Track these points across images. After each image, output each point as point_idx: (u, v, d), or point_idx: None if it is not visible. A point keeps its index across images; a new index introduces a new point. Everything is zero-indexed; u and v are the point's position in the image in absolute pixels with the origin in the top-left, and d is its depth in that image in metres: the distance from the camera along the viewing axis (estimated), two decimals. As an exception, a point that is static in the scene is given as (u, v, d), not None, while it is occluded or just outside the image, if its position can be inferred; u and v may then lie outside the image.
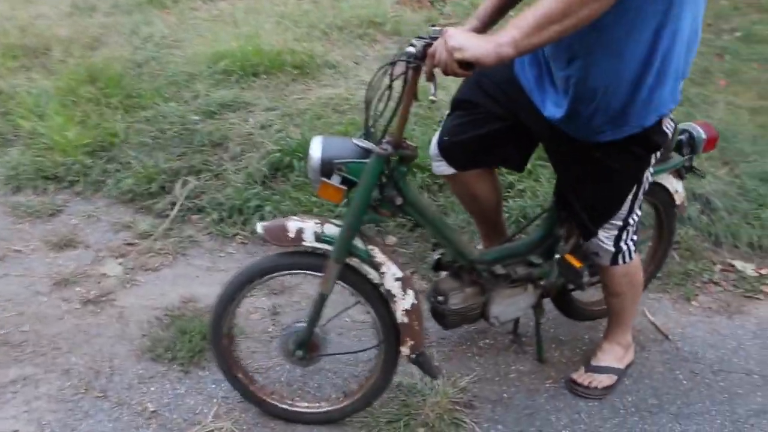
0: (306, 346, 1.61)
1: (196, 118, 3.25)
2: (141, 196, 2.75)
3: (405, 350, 1.56)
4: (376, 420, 1.69)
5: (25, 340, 1.98)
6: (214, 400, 1.77)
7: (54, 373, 1.85)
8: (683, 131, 1.87)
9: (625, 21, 1.19)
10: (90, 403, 1.77)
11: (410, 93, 1.37)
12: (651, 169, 1.56)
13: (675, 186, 1.94)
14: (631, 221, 1.62)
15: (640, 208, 1.63)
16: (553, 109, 1.44)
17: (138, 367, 1.89)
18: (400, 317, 1.54)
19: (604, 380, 1.85)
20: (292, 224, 1.51)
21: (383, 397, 1.70)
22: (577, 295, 2.01)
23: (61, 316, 2.09)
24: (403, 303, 1.53)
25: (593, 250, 1.68)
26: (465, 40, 1.20)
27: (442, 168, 1.75)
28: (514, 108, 1.58)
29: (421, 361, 1.58)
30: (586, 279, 1.74)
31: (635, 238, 1.69)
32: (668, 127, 1.48)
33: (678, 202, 1.98)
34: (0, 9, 4.67)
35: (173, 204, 2.69)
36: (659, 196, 1.92)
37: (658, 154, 1.54)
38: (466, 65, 1.21)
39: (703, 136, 1.86)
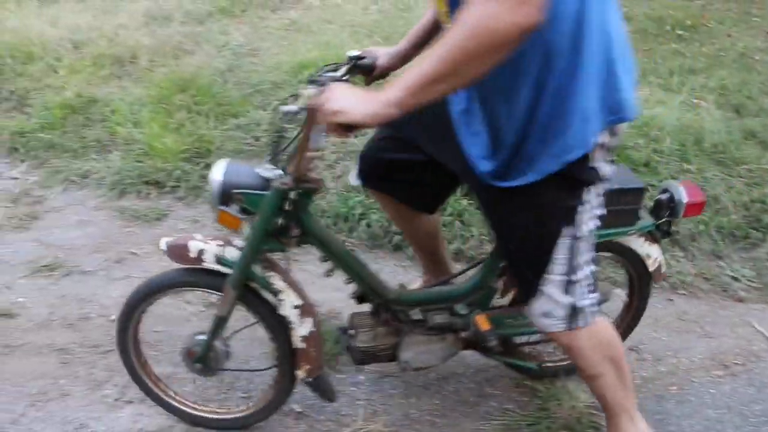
0: (204, 359, 1.65)
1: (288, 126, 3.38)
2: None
3: (301, 374, 1.62)
4: (518, 423, 1.77)
5: (160, 340, 2.12)
6: (358, 402, 1.88)
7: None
8: (664, 191, 1.74)
9: (510, 63, 1.09)
10: (235, 403, 1.90)
11: (306, 135, 1.34)
12: (593, 217, 1.36)
13: (646, 250, 1.79)
14: (580, 275, 1.39)
15: (594, 264, 1.42)
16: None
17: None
18: (297, 343, 1.59)
19: None
20: (194, 244, 1.55)
21: (521, 401, 1.78)
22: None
23: (188, 318, 2.22)
24: (301, 330, 1.58)
25: (542, 312, 1.44)
26: (346, 102, 1.14)
27: (352, 176, 1.70)
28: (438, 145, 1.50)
29: (316, 384, 1.63)
30: (493, 344, 1.63)
31: (592, 297, 1.44)
32: (602, 163, 1.29)
33: (651, 268, 1.82)
34: (84, 20, 4.90)
35: (277, 211, 2.80)
36: (629, 258, 1.80)
37: (590, 193, 1.32)
38: (347, 127, 1.17)
39: (685, 199, 1.68)
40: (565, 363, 1.92)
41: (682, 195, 1.69)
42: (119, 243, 2.70)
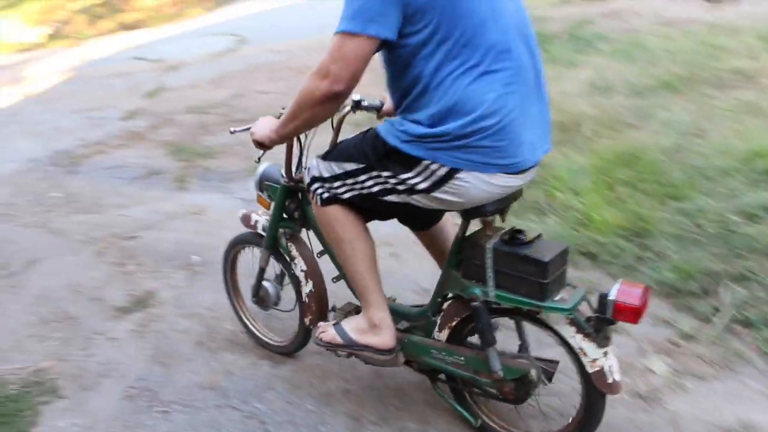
0: (257, 296, 2.48)
1: (736, 219, 3.14)
2: (680, 293, 2.76)
3: (306, 321, 2.32)
4: None
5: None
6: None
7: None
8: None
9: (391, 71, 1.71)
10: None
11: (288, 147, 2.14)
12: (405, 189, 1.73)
13: (579, 344, 1.71)
14: (336, 182, 1.87)
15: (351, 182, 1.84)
16: None
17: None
18: (303, 296, 2.29)
19: (329, 335, 2.10)
20: (254, 216, 2.44)
21: None
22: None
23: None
24: (306, 288, 2.27)
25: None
26: (257, 127, 1.95)
27: None
28: None
29: (310, 330, 2.28)
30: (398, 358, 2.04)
31: (340, 193, 1.87)
32: (431, 171, 1.66)
33: (590, 369, 1.71)
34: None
35: (716, 309, 2.62)
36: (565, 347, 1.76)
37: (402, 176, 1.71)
38: (258, 143, 1.95)
39: (612, 297, 1.62)
40: None
41: (614, 295, 1.62)
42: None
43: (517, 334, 1.96)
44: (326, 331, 2.11)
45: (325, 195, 1.89)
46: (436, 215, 2.11)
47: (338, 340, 2.07)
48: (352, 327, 2.05)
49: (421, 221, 2.15)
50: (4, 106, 7.54)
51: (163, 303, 3.06)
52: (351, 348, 2.05)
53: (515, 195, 1.81)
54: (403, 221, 2.17)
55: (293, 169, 2.18)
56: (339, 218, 1.91)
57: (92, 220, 4.12)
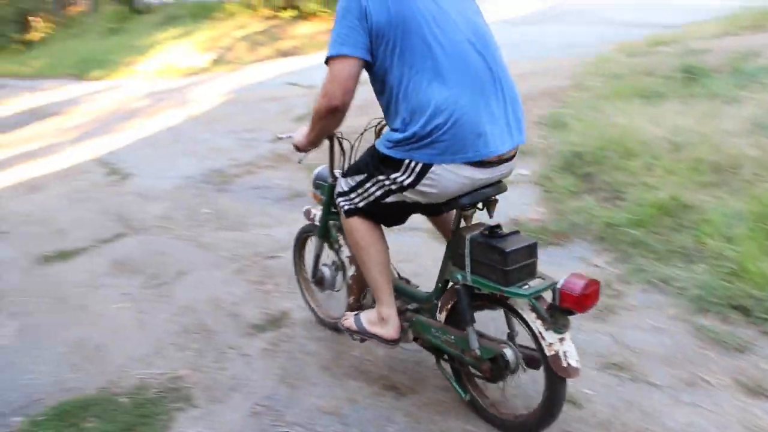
0: (315, 278, 2.92)
1: None
2: None
3: (349, 300, 2.72)
4: None
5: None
6: None
7: None
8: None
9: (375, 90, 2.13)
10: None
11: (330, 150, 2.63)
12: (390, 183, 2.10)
13: (539, 328, 1.94)
14: (352, 193, 2.25)
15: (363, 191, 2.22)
16: None
17: None
18: (347, 279, 2.72)
19: (349, 322, 2.54)
20: (313, 210, 2.94)
21: None
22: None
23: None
24: (349, 272, 2.70)
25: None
26: (296, 135, 2.42)
27: None
28: None
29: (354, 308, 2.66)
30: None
31: (357, 203, 2.24)
32: (411, 168, 2.01)
33: (548, 352, 1.92)
34: (686, 122, 5.07)
35: None
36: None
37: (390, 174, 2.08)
38: (296, 148, 2.43)
39: (559, 286, 1.87)
40: (508, 419, 2.22)
41: (561, 282, 1.86)
42: (692, 363, 2.63)
43: (506, 324, 2.21)
44: (348, 319, 2.56)
45: (347, 207, 2.30)
46: (434, 209, 2.24)
47: (354, 327, 2.50)
48: (366, 318, 2.47)
49: (428, 211, 2.34)
50: (170, 126, 8.29)
51: (295, 324, 3.17)
52: (363, 335, 2.48)
53: (491, 189, 2.09)
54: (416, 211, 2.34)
55: (335, 170, 2.63)
56: (359, 228, 2.28)
57: (237, 238, 4.38)
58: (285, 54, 13.24)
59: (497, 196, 2.13)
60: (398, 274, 2.64)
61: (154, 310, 3.45)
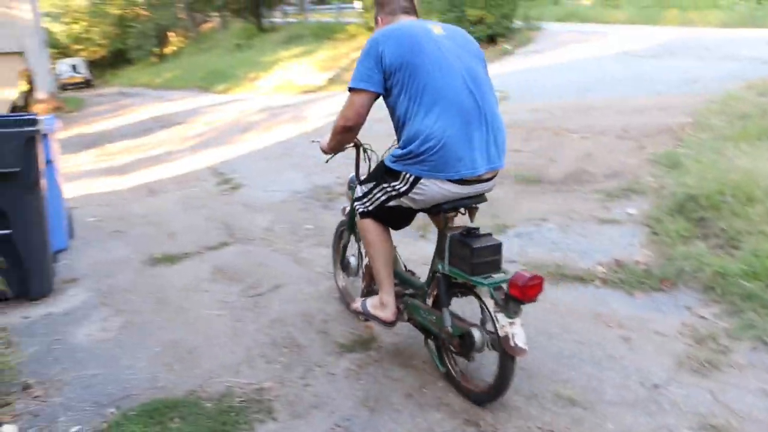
0: (342, 265, 3.60)
1: None
2: None
3: (362, 286, 3.26)
4: None
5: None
6: None
7: None
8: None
9: (391, 115, 2.61)
10: None
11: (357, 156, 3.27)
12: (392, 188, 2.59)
13: (494, 312, 2.37)
14: (365, 198, 2.74)
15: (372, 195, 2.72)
16: None
17: None
18: (362, 268, 3.26)
19: (356, 305, 3.07)
20: (346, 207, 3.49)
21: None
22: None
23: None
24: (364, 261, 3.18)
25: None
26: (322, 140, 2.99)
27: None
28: None
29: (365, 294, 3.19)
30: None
31: (368, 207, 2.73)
32: (406, 179, 2.51)
33: (500, 332, 2.33)
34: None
35: None
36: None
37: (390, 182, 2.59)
38: (323, 151, 3.03)
39: (508, 277, 2.37)
40: (471, 389, 2.67)
41: (511, 274, 2.33)
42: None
43: (480, 310, 2.57)
44: (356, 303, 3.08)
45: (361, 210, 2.77)
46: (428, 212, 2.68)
47: (360, 309, 3.01)
48: (370, 303, 2.96)
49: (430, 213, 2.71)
50: (283, 140, 8.61)
51: (383, 348, 3.15)
52: (366, 316, 2.99)
53: (471, 200, 2.56)
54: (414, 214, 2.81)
55: (360, 175, 3.19)
56: (370, 229, 2.76)
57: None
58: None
59: (477, 205, 2.62)
60: (404, 266, 3.13)
61: (247, 320, 3.54)
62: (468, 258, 2.40)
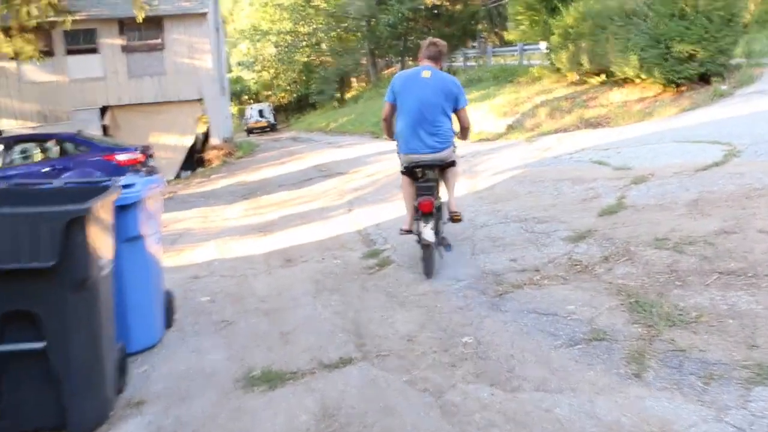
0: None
1: None
2: None
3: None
4: None
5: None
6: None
7: None
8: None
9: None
10: None
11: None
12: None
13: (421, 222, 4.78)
14: (401, 167, 5.07)
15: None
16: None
17: None
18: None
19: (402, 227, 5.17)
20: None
21: None
22: None
23: None
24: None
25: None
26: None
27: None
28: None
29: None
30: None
31: (401, 169, 5.05)
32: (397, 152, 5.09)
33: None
34: None
35: None
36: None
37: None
38: None
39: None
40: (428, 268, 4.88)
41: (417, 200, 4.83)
42: None
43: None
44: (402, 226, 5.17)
45: (401, 170, 4.99)
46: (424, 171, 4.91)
47: (400, 227, 5.20)
48: (404, 222, 5.15)
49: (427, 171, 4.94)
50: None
51: None
52: (401, 230, 5.14)
53: (424, 166, 4.82)
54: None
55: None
56: (403, 179, 5.01)
57: (498, 402, 2.92)
58: (591, 124, 11.61)
59: (432, 166, 4.85)
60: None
61: None
62: (417, 191, 4.85)
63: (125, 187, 3.81)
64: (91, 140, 11.05)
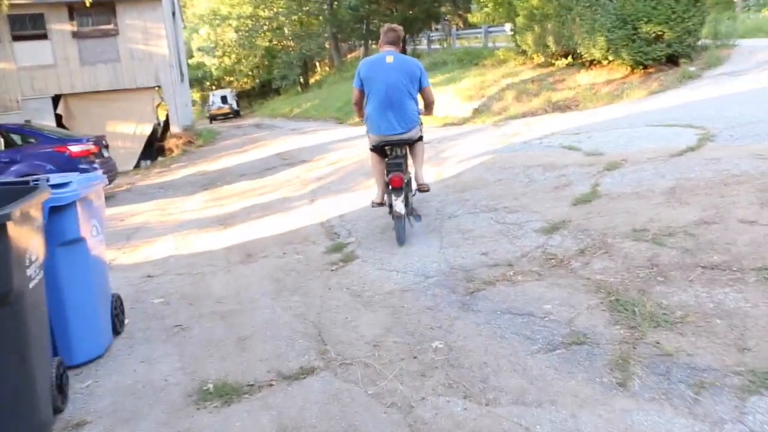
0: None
1: None
2: None
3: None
4: None
5: None
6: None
7: None
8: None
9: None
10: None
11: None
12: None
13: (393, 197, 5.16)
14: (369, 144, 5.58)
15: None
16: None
17: None
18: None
19: (372, 200, 5.61)
20: None
21: None
22: None
23: None
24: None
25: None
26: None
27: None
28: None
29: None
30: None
31: (370, 146, 5.53)
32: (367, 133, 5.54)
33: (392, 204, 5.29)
34: None
35: None
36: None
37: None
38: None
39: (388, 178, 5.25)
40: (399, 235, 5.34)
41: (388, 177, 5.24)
42: None
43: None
44: (373, 199, 5.54)
45: (369, 148, 5.44)
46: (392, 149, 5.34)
47: (372, 201, 5.53)
48: (374, 195, 5.55)
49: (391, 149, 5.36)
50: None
51: None
52: (372, 203, 5.49)
53: (391, 144, 5.26)
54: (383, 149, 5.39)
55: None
56: (372, 156, 5.45)
57: (470, 419, 2.67)
58: (559, 108, 11.44)
59: (399, 145, 5.27)
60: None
61: None
62: (387, 168, 5.25)
63: (60, 186, 3.46)
64: (40, 131, 10.48)
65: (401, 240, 5.19)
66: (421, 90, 5.28)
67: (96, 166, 10.07)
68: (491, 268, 4.37)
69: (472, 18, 24.73)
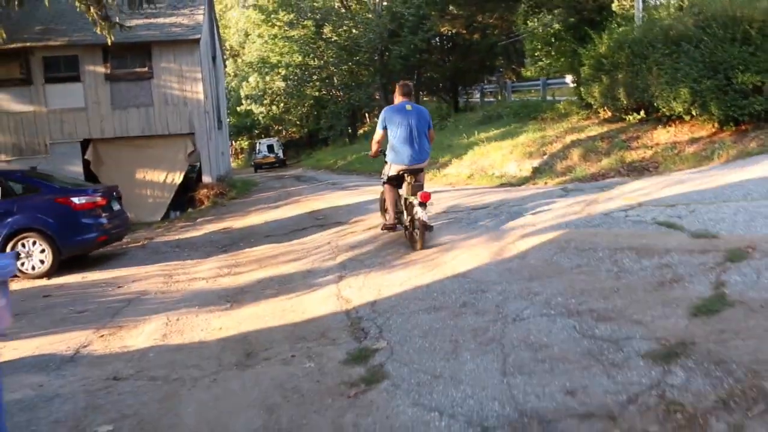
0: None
1: None
2: None
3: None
4: None
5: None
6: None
7: None
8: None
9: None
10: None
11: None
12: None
13: (417, 206, 6.60)
14: (384, 176, 7.42)
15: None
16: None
17: None
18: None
19: (383, 224, 7.67)
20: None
21: None
22: None
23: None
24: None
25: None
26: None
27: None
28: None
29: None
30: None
31: (385, 179, 7.33)
32: (389, 163, 7.21)
33: (419, 215, 6.58)
34: None
35: None
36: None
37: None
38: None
39: (420, 193, 6.78)
40: (414, 244, 6.96)
41: (419, 193, 6.67)
42: None
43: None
44: (383, 222, 7.49)
45: (383, 180, 7.28)
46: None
47: (383, 224, 7.45)
48: (385, 220, 7.44)
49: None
50: (459, 272, 5.51)
51: None
52: (383, 228, 7.44)
53: (409, 171, 6.89)
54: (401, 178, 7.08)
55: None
56: (388, 187, 7.21)
57: None
58: (635, 169, 9.94)
59: (416, 173, 6.90)
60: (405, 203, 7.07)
61: None
62: (408, 188, 6.84)
63: None
64: (43, 180, 9.48)
65: (424, 245, 6.70)
66: (429, 130, 7.14)
67: (102, 220, 9.00)
68: (583, 422, 2.89)
69: (526, 72, 23.58)
